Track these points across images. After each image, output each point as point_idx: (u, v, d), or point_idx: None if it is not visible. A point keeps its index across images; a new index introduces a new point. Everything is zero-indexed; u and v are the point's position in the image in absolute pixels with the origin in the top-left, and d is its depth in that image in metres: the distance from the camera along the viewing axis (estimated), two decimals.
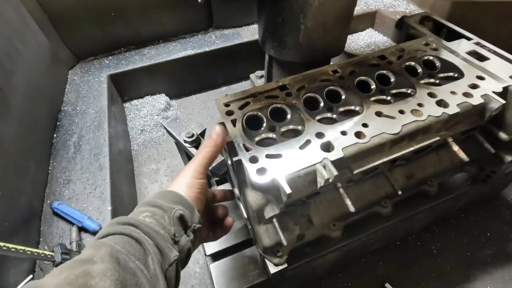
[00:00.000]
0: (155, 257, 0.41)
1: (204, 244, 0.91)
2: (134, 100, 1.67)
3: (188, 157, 0.86)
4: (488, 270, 1.02)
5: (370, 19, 1.91)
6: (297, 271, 0.84)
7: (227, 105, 0.71)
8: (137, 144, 1.49)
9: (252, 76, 1.47)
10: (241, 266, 0.85)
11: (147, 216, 0.46)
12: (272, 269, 0.71)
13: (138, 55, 1.61)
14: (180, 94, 1.75)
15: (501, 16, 1.32)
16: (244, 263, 0.86)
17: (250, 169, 0.57)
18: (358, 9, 1.87)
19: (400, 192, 0.70)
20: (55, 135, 1.22)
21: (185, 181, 0.53)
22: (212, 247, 0.90)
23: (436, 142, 0.69)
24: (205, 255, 0.89)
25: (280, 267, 0.71)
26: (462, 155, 0.68)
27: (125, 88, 1.61)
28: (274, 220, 0.66)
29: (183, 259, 0.47)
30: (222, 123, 0.67)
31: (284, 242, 0.64)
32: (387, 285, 0.99)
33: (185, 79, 1.69)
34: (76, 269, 0.36)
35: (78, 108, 1.34)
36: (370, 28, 1.94)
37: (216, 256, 0.89)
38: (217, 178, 1.01)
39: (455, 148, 0.69)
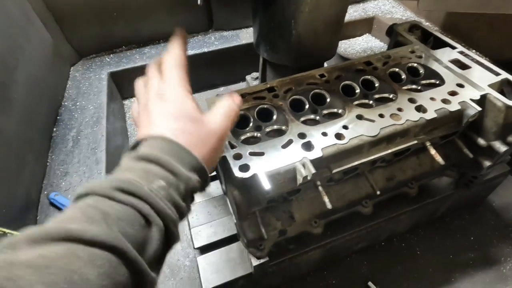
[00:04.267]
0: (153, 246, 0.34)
1: (193, 237, 0.94)
2: (134, 98, 1.71)
3: None
4: (469, 272, 1.05)
5: (367, 25, 1.94)
6: (281, 267, 0.88)
7: None
8: (134, 140, 1.53)
9: (248, 77, 1.51)
10: (228, 260, 0.89)
11: (161, 188, 0.35)
12: (255, 262, 0.75)
13: (139, 54, 1.65)
14: None
15: (492, 27, 1.36)
16: (230, 257, 0.89)
17: (233, 165, 0.61)
18: (356, 15, 1.91)
19: (378, 192, 0.73)
20: (55, 129, 1.26)
21: (200, 129, 0.43)
22: (200, 240, 0.94)
23: (414, 146, 0.72)
24: (194, 248, 0.93)
25: (262, 260, 0.75)
26: (439, 158, 0.71)
27: (125, 85, 1.65)
28: (257, 214, 0.69)
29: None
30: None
31: (265, 236, 0.67)
32: (370, 283, 1.02)
33: None
34: (61, 245, 0.28)
35: (78, 103, 1.38)
36: (367, 34, 1.97)
37: (204, 250, 0.93)
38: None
39: (432, 151, 0.72)
